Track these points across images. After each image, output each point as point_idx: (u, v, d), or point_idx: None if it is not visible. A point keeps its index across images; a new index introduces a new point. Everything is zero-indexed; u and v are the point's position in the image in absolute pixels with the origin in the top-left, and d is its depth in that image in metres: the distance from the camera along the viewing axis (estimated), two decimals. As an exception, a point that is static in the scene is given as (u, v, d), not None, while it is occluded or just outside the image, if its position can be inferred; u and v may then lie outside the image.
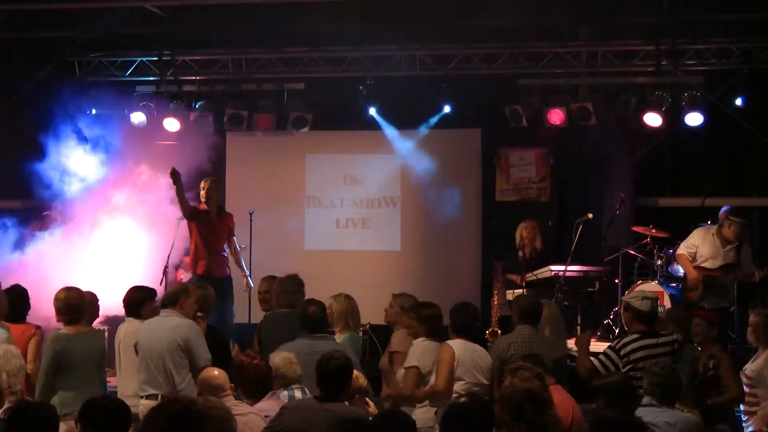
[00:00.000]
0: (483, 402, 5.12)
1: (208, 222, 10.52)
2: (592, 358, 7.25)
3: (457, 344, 7.03)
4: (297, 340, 7.20)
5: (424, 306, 7.49)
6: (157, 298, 7.84)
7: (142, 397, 7.17)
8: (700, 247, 10.15)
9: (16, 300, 7.65)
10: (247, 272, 10.76)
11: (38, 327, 7.60)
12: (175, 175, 10.16)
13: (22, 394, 6.00)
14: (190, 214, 10.47)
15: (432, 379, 7.01)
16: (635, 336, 7.07)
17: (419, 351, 7.10)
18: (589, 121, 12.04)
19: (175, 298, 7.38)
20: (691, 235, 10.39)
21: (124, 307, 7.70)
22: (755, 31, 11.60)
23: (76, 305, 7.23)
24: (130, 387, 7.36)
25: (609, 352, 7.07)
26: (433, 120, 12.82)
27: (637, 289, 10.78)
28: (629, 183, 12.54)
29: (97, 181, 12.31)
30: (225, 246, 10.61)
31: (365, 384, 6.60)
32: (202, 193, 10.52)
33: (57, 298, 7.24)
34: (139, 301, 7.65)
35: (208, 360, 7.11)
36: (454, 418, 4.85)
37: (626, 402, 5.52)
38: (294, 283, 8.23)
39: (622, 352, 7.01)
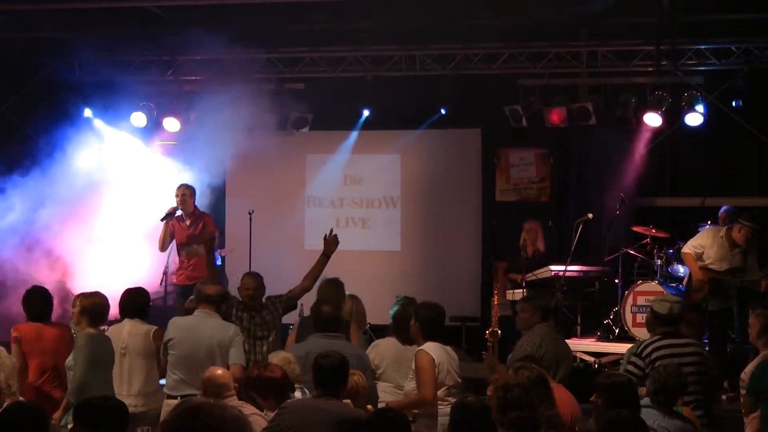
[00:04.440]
0: (485, 403, 5.11)
1: (181, 232, 10.75)
2: (627, 367, 7.23)
3: (432, 349, 6.85)
4: (310, 340, 7.19)
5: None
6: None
7: (176, 397, 7.08)
8: (708, 248, 10.03)
9: (45, 301, 7.67)
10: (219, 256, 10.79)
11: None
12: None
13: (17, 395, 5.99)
14: (172, 234, 10.73)
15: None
16: (657, 337, 7.09)
17: None
18: (589, 121, 12.04)
19: (216, 299, 7.37)
20: (699, 235, 10.31)
21: (127, 309, 7.62)
22: (755, 31, 11.59)
23: (104, 311, 7.28)
24: (135, 387, 7.36)
25: (634, 359, 7.07)
26: (430, 122, 12.84)
27: (636, 289, 10.81)
28: (629, 183, 12.54)
29: (97, 181, 12.32)
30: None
31: (366, 383, 6.60)
32: (177, 200, 10.71)
33: (92, 302, 7.23)
34: (145, 303, 7.66)
35: (243, 363, 7.13)
36: (464, 418, 4.86)
37: (626, 402, 5.51)
38: (335, 286, 8.28)
39: (644, 354, 7.01)
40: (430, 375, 6.76)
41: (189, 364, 7.10)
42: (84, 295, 7.41)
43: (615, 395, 5.57)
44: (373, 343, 7.47)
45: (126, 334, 7.45)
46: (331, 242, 8.58)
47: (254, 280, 8.45)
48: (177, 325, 7.31)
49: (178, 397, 7.05)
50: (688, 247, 10.17)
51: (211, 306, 7.31)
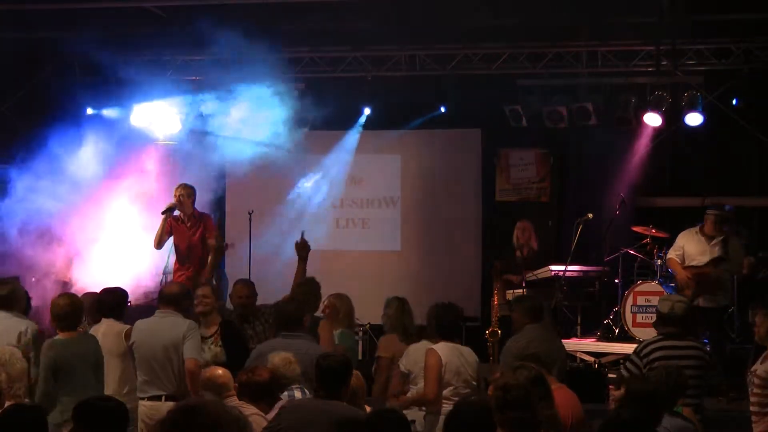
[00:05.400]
0: (486, 403, 5.11)
1: (181, 233, 10.59)
2: (626, 365, 7.20)
3: (442, 348, 7.00)
4: (273, 339, 7.20)
5: None
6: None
7: (144, 398, 7.17)
8: (685, 246, 10.13)
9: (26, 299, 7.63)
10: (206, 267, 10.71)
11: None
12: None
13: (23, 398, 5.96)
14: (169, 231, 10.58)
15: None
16: (658, 337, 7.06)
17: None
18: (589, 121, 12.04)
19: (175, 298, 7.37)
20: (677, 238, 10.40)
21: (103, 308, 7.63)
22: (755, 31, 11.59)
23: (75, 312, 7.16)
24: (109, 387, 7.32)
25: (633, 357, 7.06)
26: (427, 119, 12.84)
27: (636, 289, 10.80)
28: (629, 183, 12.53)
29: (97, 181, 12.32)
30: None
31: (363, 384, 6.60)
32: (175, 200, 10.56)
33: (56, 305, 7.13)
34: (120, 302, 7.67)
35: (197, 356, 7.11)
36: (457, 420, 4.85)
37: (646, 408, 5.46)
38: (311, 286, 8.24)
39: (642, 354, 7.00)
40: (434, 374, 6.88)
41: (150, 365, 7.15)
42: (57, 296, 7.37)
43: (637, 398, 5.53)
44: (405, 351, 7.44)
45: (101, 334, 7.45)
46: (301, 247, 8.52)
47: (247, 288, 8.37)
48: (137, 328, 7.34)
49: (146, 398, 7.14)
50: (671, 252, 10.28)
51: (170, 306, 7.31)
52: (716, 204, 10.27)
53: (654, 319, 7.47)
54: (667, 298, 7.39)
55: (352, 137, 13.39)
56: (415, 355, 7.28)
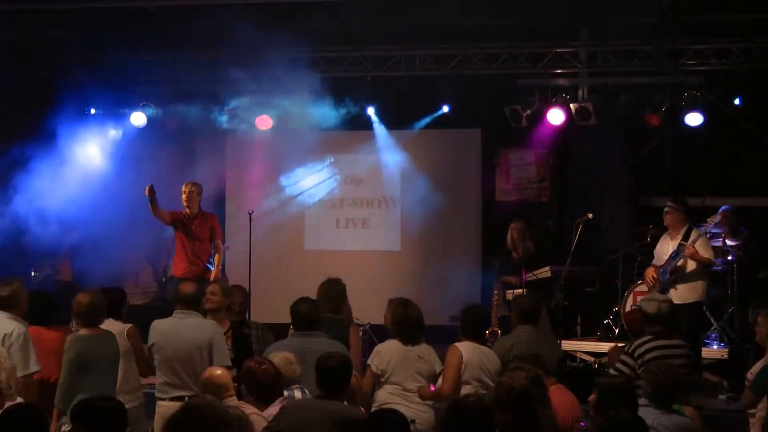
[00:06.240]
0: (485, 403, 5.10)
1: (187, 226, 10.57)
2: (617, 366, 7.21)
3: (464, 346, 7.04)
4: (288, 339, 7.18)
5: None
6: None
7: (165, 399, 7.13)
8: (657, 250, 10.03)
9: (44, 303, 7.59)
10: (214, 268, 10.65)
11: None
12: (152, 192, 10.18)
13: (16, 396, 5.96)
14: (172, 221, 10.57)
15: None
16: (648, 337, 7.08)
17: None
18: (589, 121, 12.04)
19: (193, 298, 7.35)
20: None
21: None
22: (755, 31, 11.60)
23: (99, 309, 7.14)
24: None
25: (624, 358, 7.08)
26: (430, 119, 12.84)
27: (636, 289, 10.79)
28: (629, 183, 12.53)
29: (97, 181, 12.34)
30: (211, 248, 10.61)
31: (361, 384, 6.61)
32: (183, 196, 10.56)
33: (79, 302, 7.07)
34: (119, 302, 7.65)
35: (227, 363, 7.08)
36: (454, 418, 4.84)
37: (624, 403, 5.49)
38: (338, 288, 8.09)
39: (635, 354, 7.02)
40: (453, 371, 6.92)
41: (172, 366, 7.11)
42: (79, 294, 7.39)
43: (613, 396, 5.56)
44: (374, 350, 7.41)
45: None
46: None
47: (240, 294, 8.33)
48: (157, 329, 7.30)
49: (167, 399, 7.10)
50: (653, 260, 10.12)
51: (188, 306, 7.28)
52: (675, 199, 10.14)
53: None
54: (652, 297, 7.42)
55: (353, 137, 13.39)
56: (386, 354, 7.19)
